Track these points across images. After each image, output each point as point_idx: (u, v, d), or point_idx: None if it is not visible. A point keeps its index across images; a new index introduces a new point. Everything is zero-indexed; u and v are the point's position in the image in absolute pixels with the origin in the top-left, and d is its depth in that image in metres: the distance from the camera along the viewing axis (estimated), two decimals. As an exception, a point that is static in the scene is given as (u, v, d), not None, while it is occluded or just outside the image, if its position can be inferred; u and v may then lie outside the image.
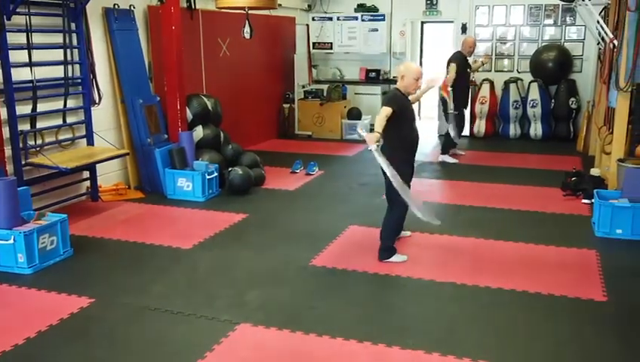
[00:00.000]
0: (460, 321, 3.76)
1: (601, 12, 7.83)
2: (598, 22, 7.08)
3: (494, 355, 3.35)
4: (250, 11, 6.80)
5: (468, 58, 8.25)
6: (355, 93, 10.76)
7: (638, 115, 6.06)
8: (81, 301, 4.01)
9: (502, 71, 10.39)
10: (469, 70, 8.36)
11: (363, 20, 10.80)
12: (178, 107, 6.75)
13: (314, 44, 11.15)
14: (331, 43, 11.07)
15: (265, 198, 6.59)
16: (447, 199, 6.55)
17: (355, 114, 10.12)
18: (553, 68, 9.75)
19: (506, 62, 10.42)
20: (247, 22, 7.02)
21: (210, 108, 7.24)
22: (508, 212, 6.02)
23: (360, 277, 4.42)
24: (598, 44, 8.45)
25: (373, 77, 11.06)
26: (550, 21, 10.08)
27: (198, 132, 7.05)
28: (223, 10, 7.01)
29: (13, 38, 5.28)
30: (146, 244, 5.12)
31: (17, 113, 5.34)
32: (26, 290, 4.22)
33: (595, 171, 6.69)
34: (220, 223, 5.66)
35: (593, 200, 5.56)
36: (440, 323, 3.74)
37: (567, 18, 9.93)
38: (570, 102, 9.69)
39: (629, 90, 5.85)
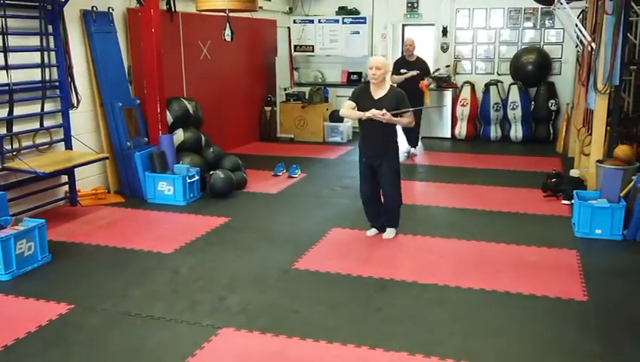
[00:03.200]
0: (443, 322, 3.76)
1: (579, 15, 7.95)
2: (576, 25, 7.17)
3: (477, 356, 3.36)
4: (230, 14, 6.76)
5: (409, 59, 8.44)
6: (337, 96, 10.77)
7: (615, 116, 6.13)
8: (59, 307, 3.94)
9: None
10: (402, 71, 8.38)
11: (344, 23, 10.84)
12: (158, 110, 6.69)
13: (295, 46, 11.15)
14: (313, 46, 11.09)
15: (247, 202, 6.55)
16: (429, 201, 6.57)
17: (336, 116, 10.12)
18: (533, 70, 9.86)
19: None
20: (227, 24, 6.97)
21: (190, 111, 7.19)
22: (489, 213, 6.05)
23: (342, 280, 4.40)
24: (576, 46, 8.56)
25: (355, 79, 11.08)
26: (529, 24, 10.20)
27: (179, 135, 6.99)
28: (203, 12, 6.95)
29: (-12, 41, 5.20)
30: (126, 249, 5.06)
31: (-7, 117, 5.26)
32: (3, 297, 4.14)
33: (574, 172, 6.77)
34: (201, 227, 5.61)
35: (573, 201, 5.62)
36: (423, 324, 3.74)
37: (546, 21, 10.05)
38: (550, 104, 9.80)
39: (607, 92, 5.92)
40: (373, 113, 4.79)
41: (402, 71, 8.36)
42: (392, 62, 8.73)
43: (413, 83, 8.26)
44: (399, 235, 5.36)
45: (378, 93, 4.94)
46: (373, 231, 5.35)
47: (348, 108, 4.99)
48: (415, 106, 8.24)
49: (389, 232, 5.30)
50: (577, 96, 8.18)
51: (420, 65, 8.55)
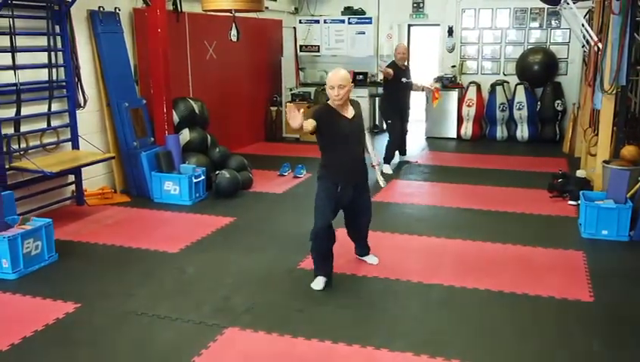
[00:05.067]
0: (448, 323, 3.76)
1: (585, 15, 7.92)
2: (582, 25, 7.14)
3: (482, 356, 3.36)
4: (236, 14, 6.77)
5: (402, 67, 7.80)
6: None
7: (622, 116, 6.11)
8: (66, 306, 3.96)
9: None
10: (403, 80, 7.78)
11: (350, 23, 10.83)
12: (164, 110, 6.71)
13: (301, 46, 11.15)
14: (318, 46, 11.08)
15: (252, 202, 6.56)
16: (434, 201, 6.56)
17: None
18: (539, 70, 9.83)
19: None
20: (233, 24, 6.99)
21: (196, 111, 7.21)
22: (495, 213, 6.04)
23: (348, 280, 4.41)
24: (583, 47, 8.53)
25: (360, 80, 11.07)
26: (536, 24, 10.16)
27: (185, 135, 7.01)
28: (209, 12, 6.97)
29: (-4, 41, 5.23)
30: (132, 249, 5.08)
31: (1, 116, 5.29)
32: (10, 296, 4.16)
33: (580, 173, 6.74)
34: (207, 227, 5.63)
35: (579, 202, 5.60)
36: (428, 325, 3.74)
37: (553, 21, 10.02)
38: (556, 105, 9.77)
39: (614, 92, 5.90)
40: (380, 180, 4.72)
41: (404, 80, 7.77)
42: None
43: (408, 92, 8.00)
44: (404, 235, 5.36)
45: (348, 111, 4.10)
46: (321, 282, 4.26)
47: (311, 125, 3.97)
48: (405, 117, 8.10)
49: (373, 257, 4.75)
50: (584, 97, 8.15)
51: (409, 72, 8.01)
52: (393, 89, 7.82)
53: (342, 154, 4.13)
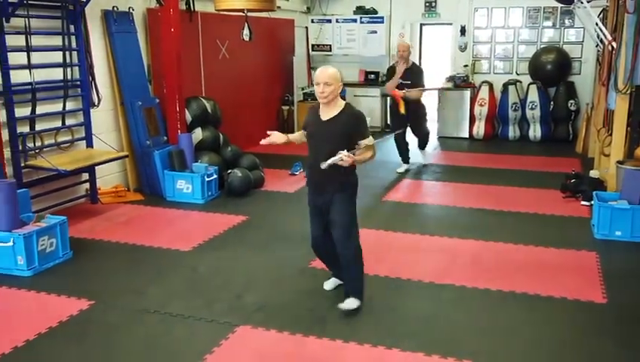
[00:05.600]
0: (460, 323, 3.76)
1: (599, 14, 7.86)
2: (596, 24, 7.09)
3: (494, 357, 3.35)
4: (249, 14, 6.80)
5: (398, 66, 7.37)
6: (354, 96, 10.76)
7: (636, 116, 6.06)
8: (80, 303, 4.01)
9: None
10: (401, 81, 7.34)
11: (362, 22, 10.83)
12: (177, 109, 6.75)
13: (313, 46, 11.17)
14: (330, 45, 11.10)
15: (264, 200, 6.59)
16: (447, 201, 6.55)
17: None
18: (552, 70, 9.77)
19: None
20: (246, 24, 7.02)
21: (209, 110, 7.25)
22: (507, 214, 6.02)
23: (359, 280, 4.40)
24: (596, 46, 8.47)
25: (372, 79, 11.08)
26: (549, 23, 10.10)
27: (197, 134, 7.05)
28: (221, 12, 7.01)
29: (12, 41, 5.28)
30: (145, 247, 5.12)
31: (16, 115, 5.35)
32: (25, 292, 4.21)
33: (594, 173, 6.70)
34: (219, 225, 5.66)
35: (592, 202, 5.56)
36: (440, 325, 3.74)
37: (566, 20, 9.95)
38: (569, 104, 9.70)
39: (628, 92, 5.85)
40: (334, 161, 3.50)
41: (400, 81, 7.36)
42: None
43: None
44: (416, 235, 5.35)
45: (327, 113, 3.73)
46: (332, 282, 4.20)
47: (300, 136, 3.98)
48: (419, 124, 7.75)
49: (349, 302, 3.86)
50: (597, 96, 8.10)
51: (415, 73, 7.47)
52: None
53: (310, 156, 3.87)
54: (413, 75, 7.45)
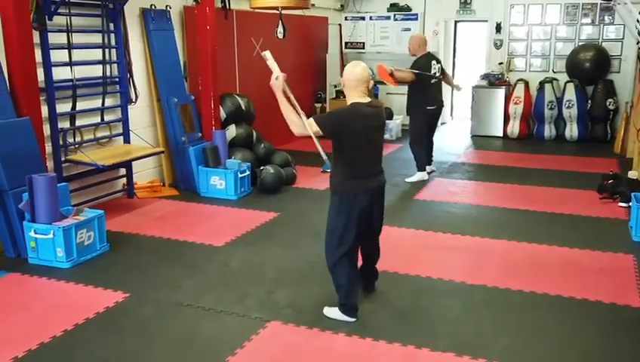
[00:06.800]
0: (492, 325, 3.73)
1: (641, 11, 7.65)
2: (637, 21, 6.91)
3: (525, 360, 3.32)
4: (283, 11, 6.85)
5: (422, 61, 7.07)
6: (387, 93, 10.73)
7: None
8: (116, 295, 4.11)
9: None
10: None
11: (396, 20, 10.77)
12: (212, 106, 6.84)
13: (346, 43, 11.16)
14: (364, 43, 11.07)
15: (296, 197, 6.63)
16: (480, 200, 6.48)
17: (386, 114, 10.08)
18: (590, 68, 9.55)
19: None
20: (280, 22, 7.07)
21: (243, 107, 7.32)
22: (542, 214, 5.93)
23: (389, 278, 4.40)
24: (637, 43, 8.24)
25: (405, 76, 11.00)
26: (587, 20, 9.88)
27: (231, 131, 7.13)
28: (256, 10, 7.07)
29: (54, 38, 5.43)
30: (179, 241, 5.21)
31: (57, 111, 5.49)
32: (64, 284, 4.34)
33: (632, 174, 6.54)
34: (251, 221, 5.72)
35: (630, 204, 5.44)
36: (471, 326, 3.72)
37: (606, 17, 9.72)
38: (608, 103, 9.49)
39: (670, 91, 5.70)
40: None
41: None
42: (443, 59, 8.04)
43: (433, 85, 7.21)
44: (447, 234, 5.32)
45: None
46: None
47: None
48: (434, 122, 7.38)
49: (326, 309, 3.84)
50: (637, 95, 7.90)
51: (415, 62, 7.13)
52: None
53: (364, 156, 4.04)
54: (414, 64, 7.21)
